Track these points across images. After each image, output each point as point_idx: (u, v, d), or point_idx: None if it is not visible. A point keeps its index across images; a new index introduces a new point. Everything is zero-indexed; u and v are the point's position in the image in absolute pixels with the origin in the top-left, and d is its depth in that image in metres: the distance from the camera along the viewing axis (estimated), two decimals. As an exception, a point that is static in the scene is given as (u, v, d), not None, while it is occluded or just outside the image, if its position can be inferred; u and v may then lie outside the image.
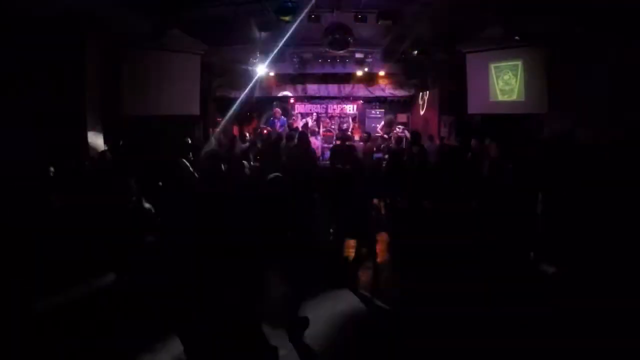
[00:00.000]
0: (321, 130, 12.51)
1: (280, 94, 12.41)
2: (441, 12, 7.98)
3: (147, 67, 8.93)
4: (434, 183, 5.18)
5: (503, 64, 9.92)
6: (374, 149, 9.41)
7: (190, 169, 5.23)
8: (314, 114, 12.97)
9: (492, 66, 10.14)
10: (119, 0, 6.61)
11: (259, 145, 8.44)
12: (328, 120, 13.02)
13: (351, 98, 12.99)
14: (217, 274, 3.05)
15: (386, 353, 3.18)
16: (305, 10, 7.92)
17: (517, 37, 7.65)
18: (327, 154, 10.05)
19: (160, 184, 4.60)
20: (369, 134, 10.18)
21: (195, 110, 10.19)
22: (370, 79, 12.26)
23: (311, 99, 13.05)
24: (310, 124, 12.37)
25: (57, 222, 4.10)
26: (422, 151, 7.55)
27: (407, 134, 10.60)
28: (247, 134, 10.50)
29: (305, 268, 3.53)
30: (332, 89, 12.64)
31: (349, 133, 11.46)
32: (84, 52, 7.28)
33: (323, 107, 13.21)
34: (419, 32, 9.01)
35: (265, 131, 11.18)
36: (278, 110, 11.85)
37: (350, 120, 12.75)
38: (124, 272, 3.69)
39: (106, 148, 7.26)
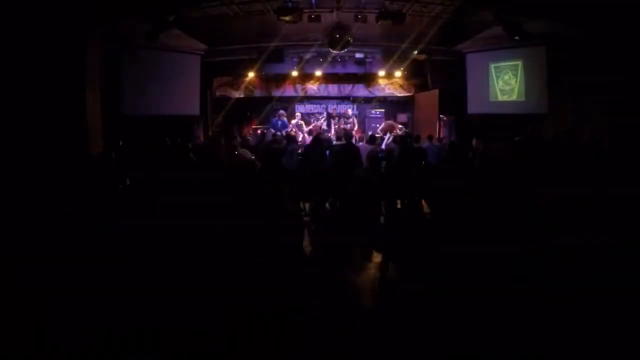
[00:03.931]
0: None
1: (280, 94, 12.39)
2: (441, 12, 7.99)
3: (147, 67, 8.93)
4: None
5: (503, 64, 9.93)
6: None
7: None
8: (299, 114, 12.82)
9: (492, 66, 10.15)
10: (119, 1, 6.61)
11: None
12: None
13: (351, 98, 12.97)
14: None
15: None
16: (306, 10, 7.93)
17: (517, 37, 7.64)
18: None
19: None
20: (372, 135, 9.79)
21: (195, 110, 10.20)
22: (370, 79, 12.25)
23: (311, 99, 13.03)
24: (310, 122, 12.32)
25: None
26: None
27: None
28: (247, 134, 10.51)
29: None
30: (332, 89, 12.60)
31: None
32: (84, 52, 7.29)
33: (323, 107, 13.18)
34: (418, 32, 9.01)
35: (259, 131, 11.16)
36: (282, 112, 11.84)
37: (355, 120, 12.61)
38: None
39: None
